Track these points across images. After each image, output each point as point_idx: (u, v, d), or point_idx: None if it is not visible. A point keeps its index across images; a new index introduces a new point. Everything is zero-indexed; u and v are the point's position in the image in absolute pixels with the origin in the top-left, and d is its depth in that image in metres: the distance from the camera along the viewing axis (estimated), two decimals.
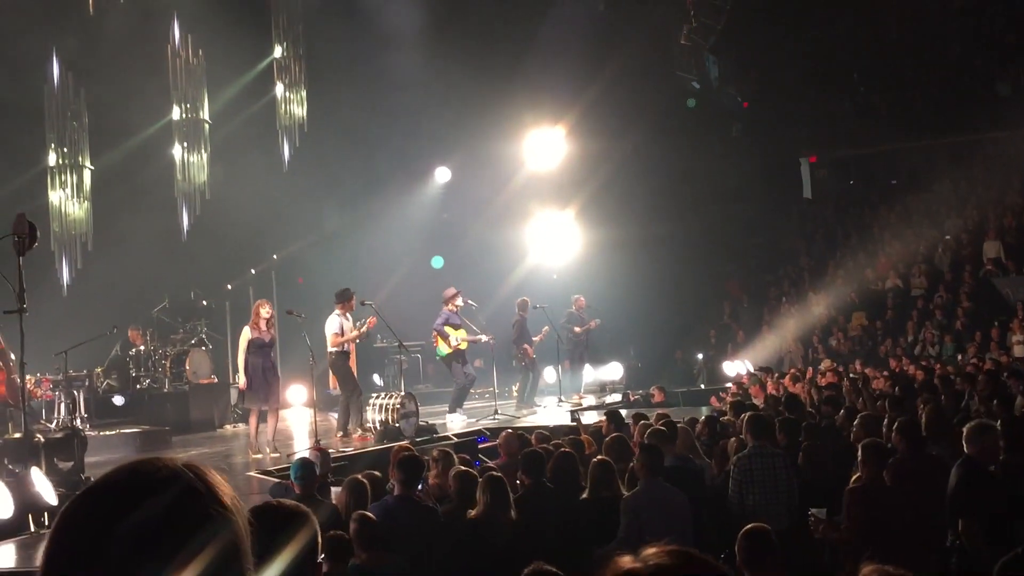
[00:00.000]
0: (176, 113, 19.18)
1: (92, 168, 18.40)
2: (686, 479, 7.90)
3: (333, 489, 8.43)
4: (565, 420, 14.67)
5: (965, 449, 6.76)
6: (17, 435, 9.94)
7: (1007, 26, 28.44)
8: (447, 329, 15.90)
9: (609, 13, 24.34)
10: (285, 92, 21.14)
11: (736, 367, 20.72)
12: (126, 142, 18.49)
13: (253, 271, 19.23)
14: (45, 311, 13.58)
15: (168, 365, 16.82)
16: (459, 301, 16.11)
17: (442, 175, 23.44)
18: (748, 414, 8.81)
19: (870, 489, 6.85)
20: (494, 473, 7.12)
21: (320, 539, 2.91)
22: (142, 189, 18.44)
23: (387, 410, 13.31)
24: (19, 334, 8.86)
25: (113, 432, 14.20)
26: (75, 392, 14.29)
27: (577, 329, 19.08)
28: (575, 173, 22.92)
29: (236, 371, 17.31)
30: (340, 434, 13.59)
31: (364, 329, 13.96)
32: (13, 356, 12.74)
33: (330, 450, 10.17)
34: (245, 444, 13.52)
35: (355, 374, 14.38)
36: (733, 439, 9.13)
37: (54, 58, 17.69)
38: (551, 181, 23.37)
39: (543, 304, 18.16)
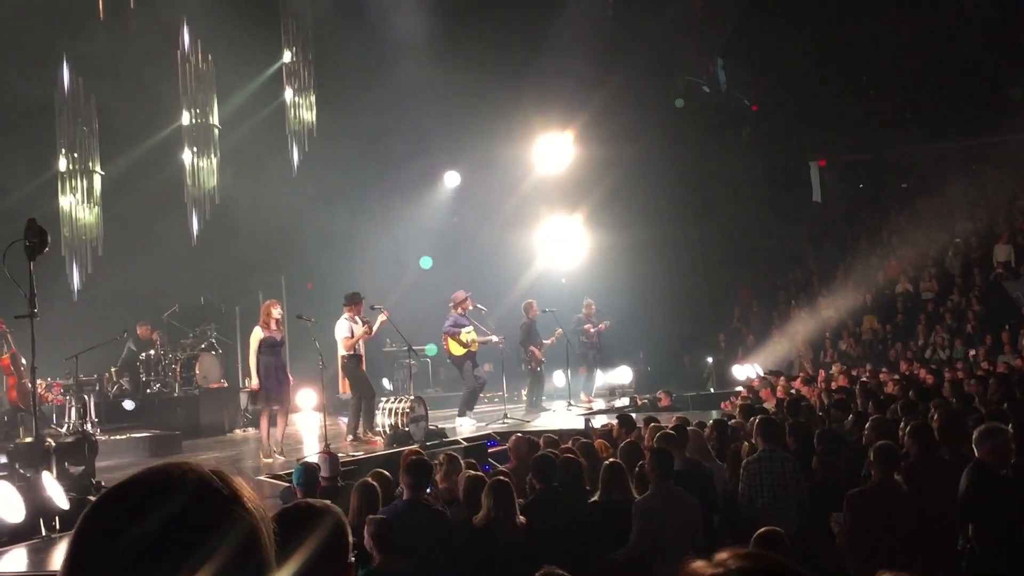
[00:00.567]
0: (186, 118, 19.23)
1: (102, 173, 18.46)
2: (696, 482, 7.89)
3: None
4: (575, 424, 14.66)
5: (976, 453, 6.73)
6: (28, 439, 9.96)
7: (1018, 29, 28.34)
8: (456, 330, 15.92)
9: (618, 17, 24.33)
10: (295, 97, 21.18)
11: (746, 371, 20.68)
12: (136, 147, 18.54)
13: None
14: (56, 316, 13.61)
15: (178, 369, 16.86)
16: (468, 305, 16.15)
17: (452, 179, 23.47)
18: (759, 417, 8.80)
19: (880, 492, 6.83)
20: (500, 478, 7.11)
21: (349, 537, 2.91)
22: (152, 194, 18.49)
23: (396, 414, 13.32)
24: (30, 339, 8.87)
25: (123, 436, 14.25)
26: (86, 396, 14.34)
27: (590, 329, 19.07)
28: (584, 177, 22.91)
29: (247, 374, 17.37)
30: (350, 438, 13.60)
31: (377, 326, 13.94)
32: (24, 361, 12.80)
33: (340, 454, 10.16)
34: (256, 448, 13.54)
35: (367, 376, 14.38)
36: (746, 443, 9.11)
37: (64, 63, 17.76)
38: (560, 185, 23.37)
39: (552, 308, 18.18)
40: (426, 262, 22.61)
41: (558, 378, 19.15)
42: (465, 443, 13.33)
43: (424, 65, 20.84)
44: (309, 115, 21.34)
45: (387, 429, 13.25)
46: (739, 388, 18.80)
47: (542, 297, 18.94)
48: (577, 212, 23.14)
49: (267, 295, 18.36)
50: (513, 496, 6.97)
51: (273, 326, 12.71)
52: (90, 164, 18.33)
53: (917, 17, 27.86)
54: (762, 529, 5.46)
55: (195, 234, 19.10)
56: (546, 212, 23.24)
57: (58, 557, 7.67)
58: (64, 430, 13.45)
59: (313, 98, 21.34)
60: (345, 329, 13.61)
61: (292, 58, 21.16)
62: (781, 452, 8.09)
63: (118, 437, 14.15)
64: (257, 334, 12.69)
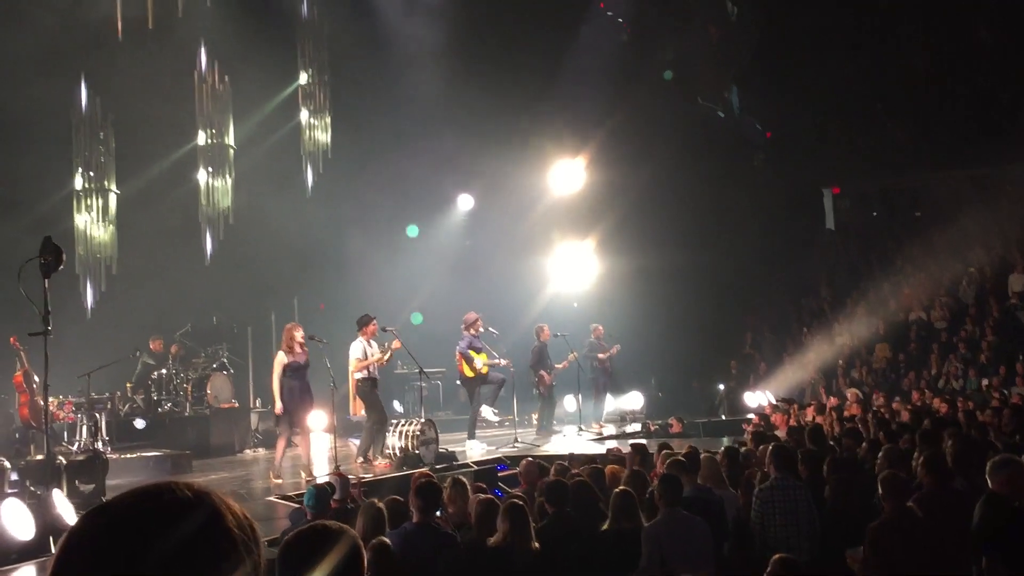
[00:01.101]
0: (202, 138, 19.35)
1: (118, 192, 18.56)
2: (705, 509, 7.85)
3: None
4: (586, 448, 14.62)
5: (989, 484, 6.68)
6: (39, 457, 9.98)
7: None
8: (471, 354, 15.93)
9: (633, 43, 24.41)
10: (310, 118, 21.28)
11: (757, 398, 20.62)
12: (152, 166, 18.63)
13: None
14: (69, 334, 13.65)
15: (190, 389, 16.87)
16: (480, 326, 16.16)
17: (465, 203, 23.53)
18: (772, 445, 8.75)
19: (893, 523, 6.78)
20: (516, 501, 7.08)
21: (364, 557, 2.90)
22: (167, 213, 18.57)
23: (407, 436, 13.31)
24: (43, 356, 8.89)
25: (134, 455, 14.26)
26: (97, 415, 14.36)
27: (601, 356, 19.06)
28: (597, 202, 22.96)
29: (258, 396, 17.38)
30: (360, 460, 13.58)
31: (388, 355, 13.97)
32: (37, 378, 12.83)
33: (350, 476, 10.15)
34: (265, 469, 13.53)
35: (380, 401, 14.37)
36: (759, 471, 9.06)
37: (83, 82, 17.89)
38: (572, 210, 23.43)
39: (564, 332, 18.19)
40: (413, 231, 22.65)
41: (569, 403, 19.11)
42: (475, 467, 13.29)
43: (439, 89, 20.95)
44: (324, 137, 21.43)
45: (397, 452, 13.24)
46: (751, 415, 18.72)
47: (554, 321, 18.94)
48: (589, 237, 23.16)
49: (280, 316, 18.48)
50: (529, 520, 6.94)
51: (297, 349, 12.73)
52: (106, 183, 18.44)
53: (932, 47, 27.89)
54: (777, 556, 5.42)
55: (209, 254, 19.18)
56: (558, 236, 23.27)
57: None
58: (75, 448, 13.48)
59: (328, 120, 21.44)
60: (359, 351, 13.62)
61: (308, 80, 21.28)
62: (793, 480, 8.04)
63: (129, 456, 14.16)
64: (281, 359, 12.67)
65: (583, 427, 18.19)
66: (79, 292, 17.85)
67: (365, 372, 13.64)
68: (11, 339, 13.27)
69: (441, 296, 21.98)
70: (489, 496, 7.78)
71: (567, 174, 22.82)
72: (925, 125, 29.51)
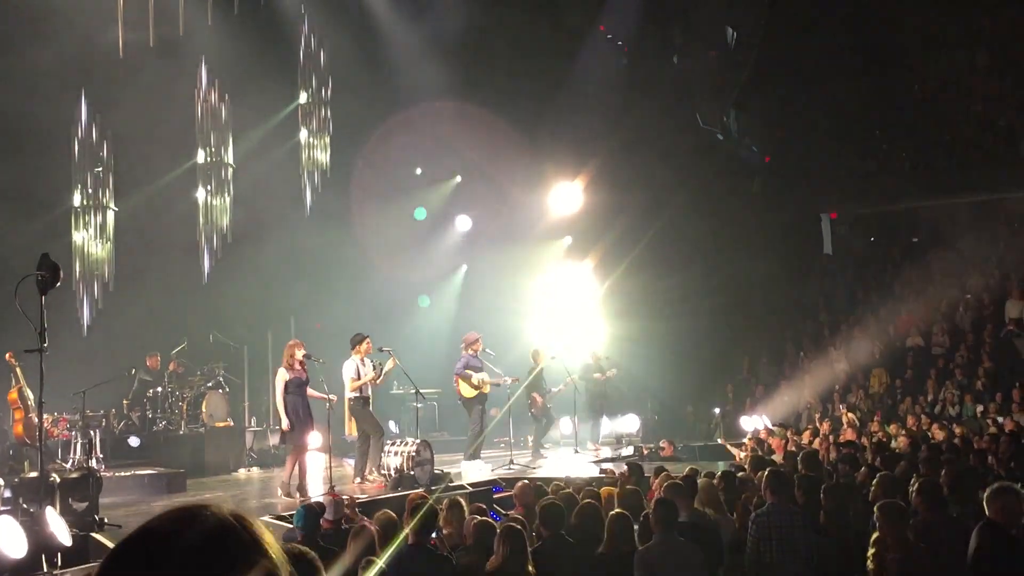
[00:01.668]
0: (201, 156, 19.34)
1: (116, 209, 18.54)
2: (701, 535, 7.82)
3: None
4: (581, 471, 14.59)
5: (986, 512, 6.66)
6: (33, 474, 9.94)
7: None
8: (468, 372, 15.92)
9: (632, 66, 24.48)
10: (309, 138, 21.29)
11: (754, 422, 20.56)
12: (150, 184, 18.62)
13: None
14: (65, 350, 13.62)
15: (185, 407, 16.82)
16: (479, 346, 16.17)
17: (463, 223, 23.56)
18: (768, 470, 8.72)
19: (890, 550, 6.75)
20: (514, 525, 7.05)
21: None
22: (165, 231, 18.57)
23: (402, 457, 13.28)
24: (39, 373, 8.86)
25: (128, 473, 14.20)
26: (91, 432, 14.31)
27: (598, 375, 19.06)
28: (594, 225, 22.99)
29: (253, 415, 17.32)
30: (358, 480, 13.55)
31: (384, 373, 13.95)
32: (31, 395, 12.79)
33: (344, 496, 10.11)
34: (260, 488, 13.49)
35: (376, 417, 14.34)
36: (756, 496, 9.03)
37: (82, 98, 17.89)
38: (570, 233, 23.47)
39: (558, 355, 18.23)
40: (421, 213, 22.73)
41: (565, 425, 19.09)
42: (470, 488, 13.26)
43: (438, 109, 21.01)
44: (323, 156, 21.43)
45: (392, 472, 13.21)
46: (744, 440, 18.67)
47: (550, 344, 18.96)
48: (587, 259, 23.18)
49: (277, 334, 18.46)
50: (526, 543, 6.92)
51: (297, 367, 12.75)
52: (104, 200, 18.42)
53: (931, 72, 28.00)
54: None
55: (206, 272, 19.14)
56: (556, 259, 23.29)
57: None
58: (69, 465, 13.42)
59: (328, 139, 21.44)
60: (351, 370, 13.63)
61: (308, 99, 21.30)
62: (790, 506, 8.02)
63: (123, 474, 14.10)
64: (283, 375, 12.70)
65: (579, 449, 18.16)
66: (76, 308, 17.80)
67: (357, 391, 13.63)
68: (7, 355, 13.23)
69: (438, 316, 22.02)
70: (486, 519, 7.75)
71: (565, 196, 22.84)
72: (923, 151, 29.59)
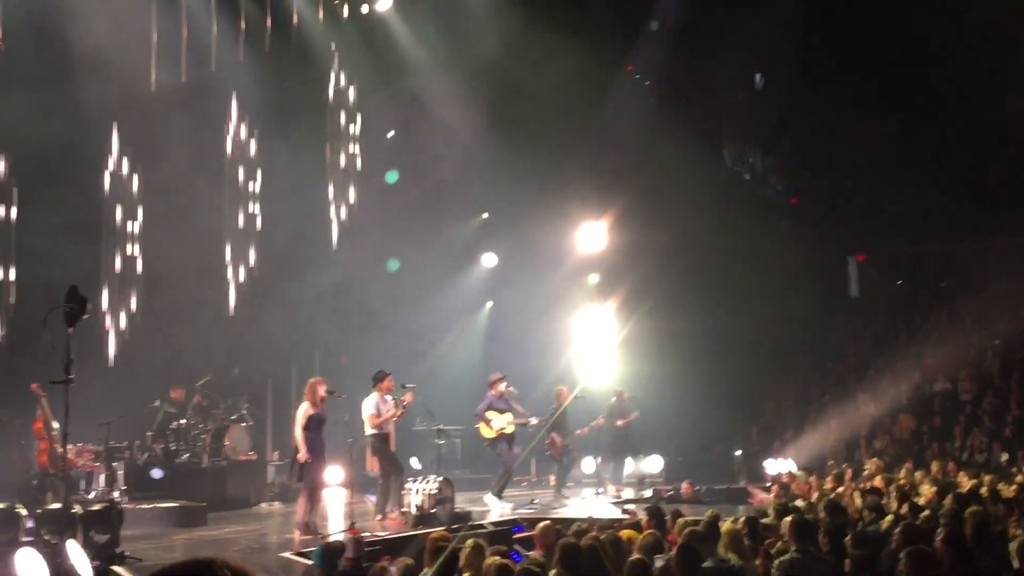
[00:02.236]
0: (229, 190, 19.45)
1: (143, 241, 18.64)
2: None
3: None
4: (604, 512, 14.49)
5: (1014, 564, 6.57)
6: (56, 505, 9.97)
7: None
8: (489, 414, 15.85)
9: (660, 106, 24.54)
10: (337, 173, 21.40)
11: (778, 465, 20.37)
12: (179, 217, 18.72)
13: None
14: (90, 382, 13.69)
15: (208, 440, 16.84)
16: (502, 386, 16.09)
17: (489, 260, 23.62)
18: (792, 517, 8.62)
19: None
20: (532, 567, 7.00)
21: None
22: (191, 263, 18.65)
23: (423, 495, 13.24)
24: (64, 405, 8.91)
25: (150, 506, 14.21)
26: (115, 463, 14.36)
27: (620, 423, 19.00)
28: (619, 264, 22.97)
29: (276, 449, 17.34)
30: (379, 517, 13.51)
31: (403, 409, 13.93)
32: (56, 425, 12.86)
33: (365, 533, 10.08)
34: (280, 524, 13.46)
35: (396, 454, 14.32)
36: (780, 542, 8.92)
37: (114, 132, 18.03)
38: (595, 271, 23.47)
39: (581, 395, 18.16)
40: (392, 176, 22.44)
41: (587, 465, 18.99)
42: (491, 527, 13.19)
43: (465, 148, 21.13)
44: (351, 191, 21.54)
45: (413, 510, 13.17)
46: (768, 484, 18.48)
47: (574, 384, 18.88)
48: (611, 299, 23.14)
49: (301, 369, 18.51)
50: None
51: (319, 403, 12.80)
52: (132, 232, 18.54)
53: (961, 113, 27.85)
54: None
55: (232, 305, 19.22)
56: (581, 298, 23.27)
57: None
58: (92, 496, 13.46)
59: (355, 175, 21.55)
60: (371, 407, 13.62)
61: (336, 135, 21.43)
62: (814, 553, 7.93)
63: (144, 506, 14.11)
64: (305, 410, 12.74)
65: (600, 490, 18.04)
66: (102, 340, 17.89)
67: (377, 428, 13.61)
68: (32, 386, 13.32)
69: (462, 353, 22.02)
70: (505, 561, 7.69)
71: (591, 235, 22.85)
72: (953, 193, 29.39)
